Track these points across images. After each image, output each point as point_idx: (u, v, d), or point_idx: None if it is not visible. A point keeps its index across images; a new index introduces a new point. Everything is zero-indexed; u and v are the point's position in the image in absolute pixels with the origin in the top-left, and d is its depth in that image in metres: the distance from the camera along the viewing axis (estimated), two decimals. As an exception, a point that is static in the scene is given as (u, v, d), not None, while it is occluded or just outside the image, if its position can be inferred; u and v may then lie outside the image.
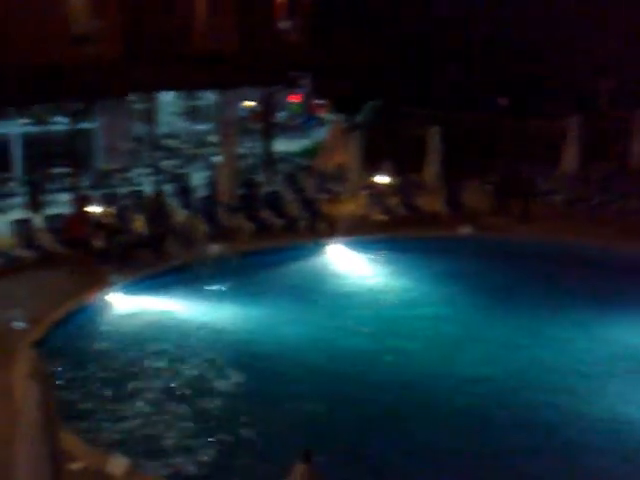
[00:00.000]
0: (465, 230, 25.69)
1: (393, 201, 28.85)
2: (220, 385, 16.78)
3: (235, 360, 18.03)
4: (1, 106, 32.54)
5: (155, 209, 25.32)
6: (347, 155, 31.13)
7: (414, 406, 15.70)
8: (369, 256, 25.20)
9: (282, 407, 15.64)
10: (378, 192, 29.25)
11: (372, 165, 30.34)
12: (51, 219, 25.57)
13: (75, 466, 10.89)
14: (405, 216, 27.95)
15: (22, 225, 24.76)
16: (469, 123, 35.03)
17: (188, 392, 16.39)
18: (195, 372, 17.36)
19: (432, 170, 29.45)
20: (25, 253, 23.60)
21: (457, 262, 24.18)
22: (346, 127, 33.63)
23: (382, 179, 29.80)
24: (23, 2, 31.57)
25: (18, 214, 27.10)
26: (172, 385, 16.64)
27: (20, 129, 34.55)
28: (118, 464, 12.28)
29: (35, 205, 28.97)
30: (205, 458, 13.78)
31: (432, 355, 18.02)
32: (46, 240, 24.50)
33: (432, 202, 28.73)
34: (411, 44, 37.76)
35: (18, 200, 30.66)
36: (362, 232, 26.35)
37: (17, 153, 34.35)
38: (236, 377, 17.21)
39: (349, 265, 24.74)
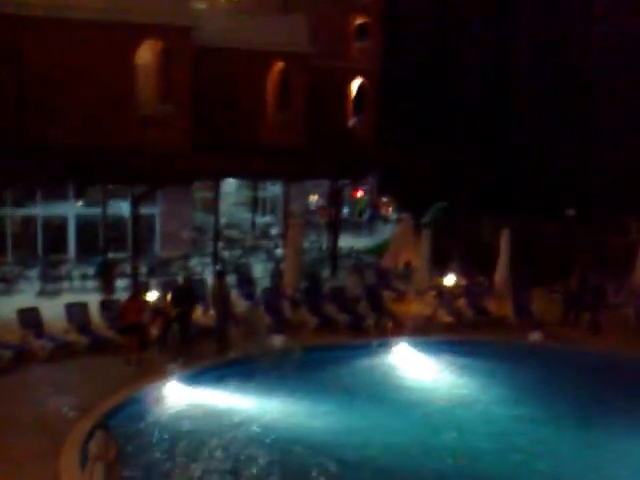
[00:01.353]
0: (535, 338, 25.62)
1: (461, 303, 29.00)
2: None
3: (290, 460, 17.61)
4: (60, 185, 33.20)
5: (218, 297, 25.37)
6: (415, 254, 31.40)
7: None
8: (435, 358, 25.09)
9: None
10: (446, 293, 29.45)
11: (439, 266, 30.55)
12: (106, 304, 25.65)
13: None
14: (472, 319, 28.09)
15: (76, 309, 24.88)
16: (538, 229, 35.20)
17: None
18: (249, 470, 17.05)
19: (501, 274, 29.51)
20: (78, 338, 23.67)
21: (525, 370, 24.01)
22: (415, 226, 33.88)
23: (450, 280, 29.88)
24: (90, 82, 32.40)
25: (72, 297, 27.31)
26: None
27: (77, 211, 35.13)
28: None
29: (107, 288, 29.37)
30: None
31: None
32: (100, 326, 24.69)
33: (500, 306, 29.01)
34: (482, 147, 38.20)
35: (73, 283, 31.17)
36: (428, 333, 26.48)
37: (72, 236, 34.84)
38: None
39: (413, 366, 24.64)
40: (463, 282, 30.51)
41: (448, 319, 27.92)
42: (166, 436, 18.33)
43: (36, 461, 15.89)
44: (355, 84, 47.70)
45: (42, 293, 29.74)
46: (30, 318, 23.69)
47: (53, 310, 24.97)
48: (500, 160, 37.03)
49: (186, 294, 24.90)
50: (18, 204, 33.83)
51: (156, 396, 20.28)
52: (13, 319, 23.64)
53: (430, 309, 28.79)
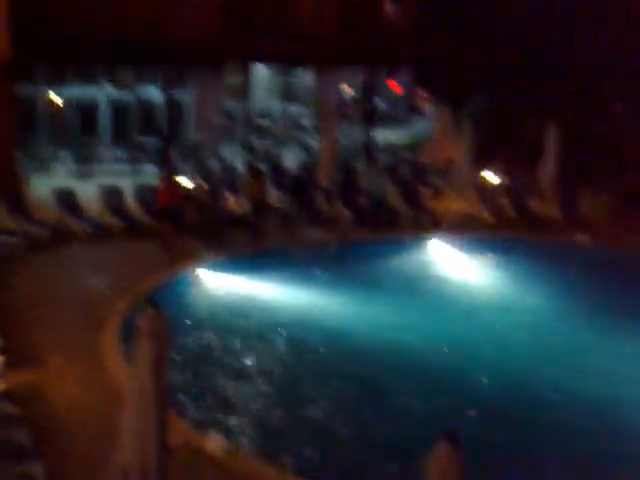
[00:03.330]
0: (582, 238, 25.41)
1: (502, 201, 28.70)
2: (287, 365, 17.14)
3: (313, 347, 18.05)
4: (91, 67, 32.94)
5: (252, 186, 25.35)
6: (455, 149, 31.10)
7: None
8: (473, 256, 25.00)
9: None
10: (487, 190, 29.14)
11: (480, 162, 30.23)
12: (140, 189, 25.74)
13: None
14: (515, 218, 27.82)
15: (111, 192, 25.10)
16: (587, 126, 34.59)
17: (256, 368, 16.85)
18: (270, 352, 17.66)
19: (547, 172, 29.10)
20: (114, 221, 23.93)
21: (569, 271, 23.61)
22: (456, 120, 33.51)
23: (492, 177, 29.63)
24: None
25: (106, 180, 27.48)
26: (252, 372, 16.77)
27: (109, 94, 34.97)
28: (215, 443, 12.49)
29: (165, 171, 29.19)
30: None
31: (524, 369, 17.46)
32: (135, 210, 24.86)
33: (545, 205, 28.55)
34: (529, 38, 37.35)
35: (106, 166, 31.44)
36: (468, 231, 26.29)
37: (104, 119, 34.77)
38: (305, 359, 17.48)
39: (450, 264, 24.61)
40: (505, 179, 30.25)
41: (489, 217, 27.70)
42: (198, 319, 18.89)
43: (78, 335, 16.46)
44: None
45: (76, 174, 30.02)
46: (66, 198, 24.01)
47: (87, 192, 25.21)
48: (546, 53, 36.18)
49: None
50: (50, 85, 33.62)
51: (190, 281, 20.75)
52: (49, 198, 23.98)
53: (470, 206, 28.57)
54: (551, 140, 29.16)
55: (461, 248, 25.24)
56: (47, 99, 33.63)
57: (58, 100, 33.71)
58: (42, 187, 25.67)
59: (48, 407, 13.37)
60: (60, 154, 31.73)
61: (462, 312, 20.64)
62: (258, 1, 37.25)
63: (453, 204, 28.79)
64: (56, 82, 33.66)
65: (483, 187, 29.49)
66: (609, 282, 22.83)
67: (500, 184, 29.64)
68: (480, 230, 26.76)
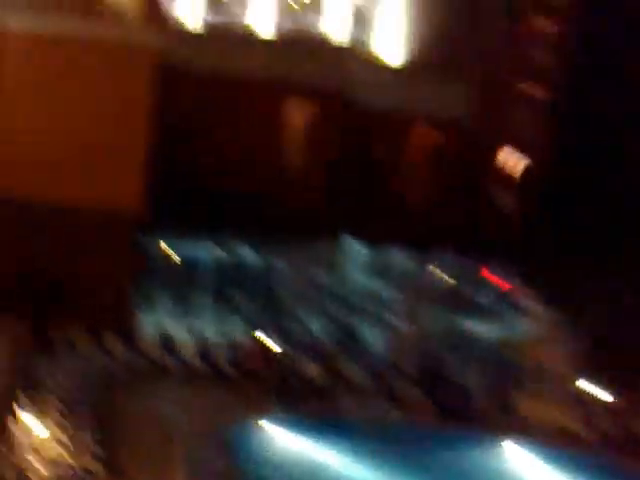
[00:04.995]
0: None
1: (605, 419, 25.71)
2: None
3: None
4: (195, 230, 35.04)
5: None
6: (557, 354, 29.69)
7: None
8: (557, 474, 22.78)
9: None
10: (588, 404, 26.58)
11: (584, 371, 27.83)
12: (229, 341, 28.35)
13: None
14: (619, 441, 24.72)
15: (203, 339, 28.12)
16: None
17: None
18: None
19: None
20: (201, 366, 26.53)
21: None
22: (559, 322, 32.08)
23: (596, 390, 26.91)
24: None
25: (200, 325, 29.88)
26: None
27: (211, 254, 36.50)
28: None
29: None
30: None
31: None
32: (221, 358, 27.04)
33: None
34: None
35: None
36: (556, 443, 24.29)
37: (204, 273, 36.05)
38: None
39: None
40: (612, 394, 27.00)
41: (585, 434, 24.93)
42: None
43: (154, 461, 19.33)
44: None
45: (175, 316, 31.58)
46: (166, 340, 27.60)
47: (182, 334, 28.50)
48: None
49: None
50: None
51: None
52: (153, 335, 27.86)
53: (564, 417, 25.89)
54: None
55: (544, 462, 23.11)
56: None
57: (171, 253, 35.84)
58: (148, 324, 28.75)
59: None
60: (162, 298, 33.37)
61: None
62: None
63: (546, 410, 26.29)
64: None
65: (583, 399, 26.77)
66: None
67: (604, 399, 26.68)
68: (571, 446, 24.22)
